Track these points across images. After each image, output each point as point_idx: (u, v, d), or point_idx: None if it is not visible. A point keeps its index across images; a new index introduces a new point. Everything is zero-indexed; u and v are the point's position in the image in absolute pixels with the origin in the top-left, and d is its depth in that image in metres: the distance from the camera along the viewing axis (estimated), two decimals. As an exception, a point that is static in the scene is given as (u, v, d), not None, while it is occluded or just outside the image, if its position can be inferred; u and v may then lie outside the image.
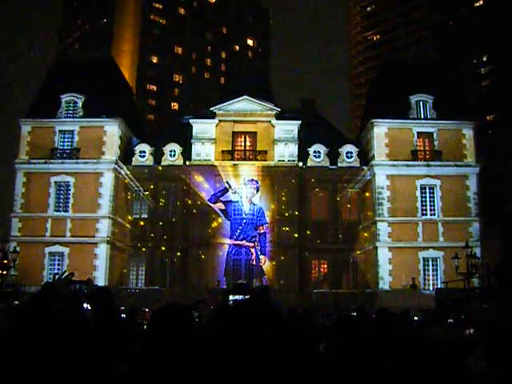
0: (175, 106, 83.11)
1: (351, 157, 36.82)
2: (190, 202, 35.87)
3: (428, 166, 34.39)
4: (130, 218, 36.61)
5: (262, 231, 35.31)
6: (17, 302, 17.64)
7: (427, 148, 35.18)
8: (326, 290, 34.27)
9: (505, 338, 2.53)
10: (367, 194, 35.82)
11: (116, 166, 35.02)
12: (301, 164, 36.22)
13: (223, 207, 35.33)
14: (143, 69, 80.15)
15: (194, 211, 35.40)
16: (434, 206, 34.14)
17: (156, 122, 72.97)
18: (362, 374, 2.08)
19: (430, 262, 33.41)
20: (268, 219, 35.46)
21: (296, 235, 35.15)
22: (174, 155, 36.89)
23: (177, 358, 1.99)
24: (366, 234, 35.47)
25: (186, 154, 36.70)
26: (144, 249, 35.98)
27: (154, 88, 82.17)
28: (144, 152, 37.17)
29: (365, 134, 37.38)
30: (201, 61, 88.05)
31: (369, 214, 35.11)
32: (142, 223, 36.57)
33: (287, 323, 1.55)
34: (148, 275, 36.27)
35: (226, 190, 35.07)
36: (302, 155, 36.45)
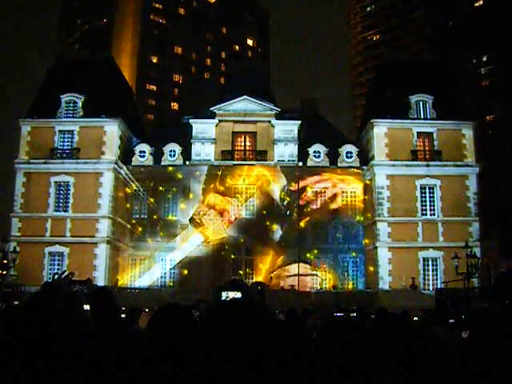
0: (175, 106, 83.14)
1: (351, 157, 36.79)
2: (189, 201, 35.84)
3: (428, 165, 34.37)
4: (129, 218, 36.60)
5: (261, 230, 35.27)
6: (17, 302, 17.65)
7: (427, 148, 35.16)
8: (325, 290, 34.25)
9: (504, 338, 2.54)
10: (367, 194, 35.82)
11: (116, 166, 35.00)
12: (301, 164, 36.21)
13: None
14: (143, 69, 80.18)
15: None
16: (433, 205, 34.12)
17: (156, 122, 72.95)
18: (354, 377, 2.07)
19: (430, 262, 33.39)
20: (268, 219, 35.42)
21: (296, 235, 35.13)
22: (174, 155, 36.88)
23: (176, 357, 1.99)
24: (365, 234, 35.47)
25: (186, 153, 36.69)
26: (144, 249, 35.98)
27: (154, 88, 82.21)
28: (144, 152, 37.16)
29: (365, 134, 37.37)
30: (201, 61, 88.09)
31: (369, 214, 35.10)
32: (142, 223, 36.57)
33: (278, 324, 1.55)
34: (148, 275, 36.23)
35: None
36: (302, 155, 36.42)
